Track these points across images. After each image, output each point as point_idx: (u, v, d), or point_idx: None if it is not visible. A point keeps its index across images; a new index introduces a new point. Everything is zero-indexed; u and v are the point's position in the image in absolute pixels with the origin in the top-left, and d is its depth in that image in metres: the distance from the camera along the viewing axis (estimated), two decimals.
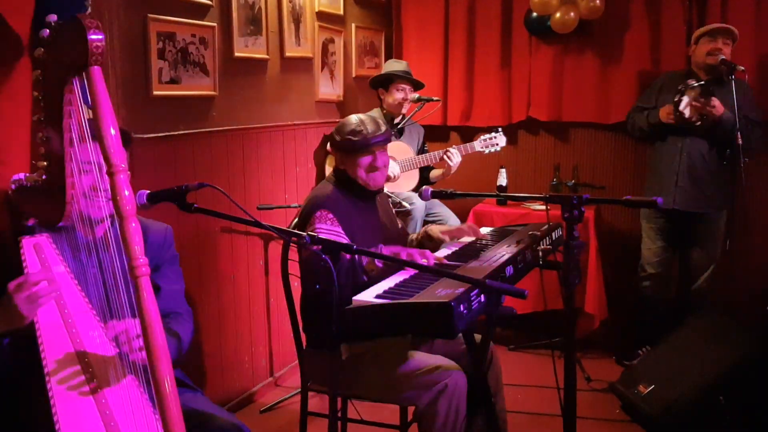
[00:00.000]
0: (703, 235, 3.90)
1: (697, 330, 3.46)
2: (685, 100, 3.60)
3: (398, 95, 4.02)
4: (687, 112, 3.61)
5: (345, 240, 2.39)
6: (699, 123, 3.63)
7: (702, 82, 3.61)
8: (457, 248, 2.61)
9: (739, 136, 3.49)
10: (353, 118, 2.60)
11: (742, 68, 3.54)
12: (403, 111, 4.07)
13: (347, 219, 2.47)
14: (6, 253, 1.82)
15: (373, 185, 2.60)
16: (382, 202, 2.78)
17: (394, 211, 2.94)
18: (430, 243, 2.74)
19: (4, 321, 1.65)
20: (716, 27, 3.75)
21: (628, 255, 4.29)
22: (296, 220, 2.84)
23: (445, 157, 3.91)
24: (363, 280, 2.24)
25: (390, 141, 2.64)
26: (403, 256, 2.23)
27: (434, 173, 4.17)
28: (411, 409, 2.73)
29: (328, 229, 2.38)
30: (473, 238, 2.74)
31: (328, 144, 3.93)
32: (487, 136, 4.02)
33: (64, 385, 1.61)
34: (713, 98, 3.56)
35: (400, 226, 2.85)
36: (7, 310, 1.63)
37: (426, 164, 4.02)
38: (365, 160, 2.55)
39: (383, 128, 2.58)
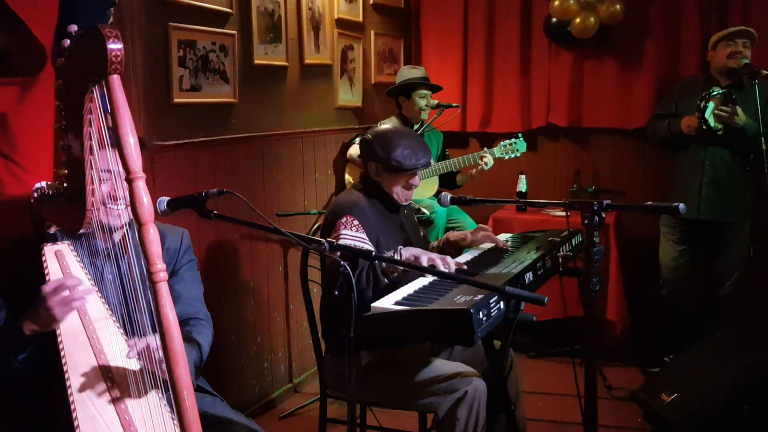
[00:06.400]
0: (727, 244, 3.84)
1: (722, 338, 3.41)
2: (711, 106, 3.56)
3: (421, 102, 4.01)
4: (711, 120, 3.57)
5: (369, 246, 2.40)
6: (720, 132, 3.59)
7: (724, 90, 3.55)
8: (476, 255, 2.60)
9: (763, 141, 3.45)
10: (399, 137, 2.55)
11: (766, 72, 3.49)
12: (424, 117, 4.06)
13: (372, 226, 2.48)
14: (28, 260, 1.85)
15: (404, 200, 2.63)
16: (406, 212, 2.79)
17: (415, 218, 2.95)
18: (452, 250, 2.74)
19: (37, 323, 1.69)
20: (735, 30, 3.71)
21: (650, 261, 4.24)
22: (316, 225, 2.86)
23: (481, 163, 3.90)
24: (385, 283, 2.24)
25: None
26: (424, 260, 2.22)
27: (462, 177, 4.14)
28: (430, 416, 2.72)
29: (353, 235, 2.39)
30: (492, 245, 2.72)
31: (352, 152, 3.92)
32: (507, 141, 3.98)
33: (84, 390, 1.62)
34: (736, 107, 3.52)
35: (422, 234, 2.85)
36: (40, 312, 1.67)
37: (446, 171, 3.99)
38: (404, 179, 2.57)
39: (429, 154, 2.60)
